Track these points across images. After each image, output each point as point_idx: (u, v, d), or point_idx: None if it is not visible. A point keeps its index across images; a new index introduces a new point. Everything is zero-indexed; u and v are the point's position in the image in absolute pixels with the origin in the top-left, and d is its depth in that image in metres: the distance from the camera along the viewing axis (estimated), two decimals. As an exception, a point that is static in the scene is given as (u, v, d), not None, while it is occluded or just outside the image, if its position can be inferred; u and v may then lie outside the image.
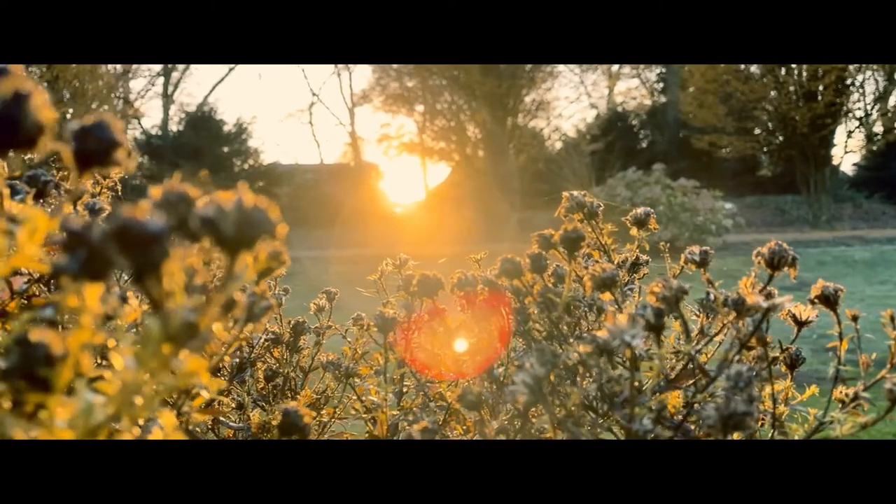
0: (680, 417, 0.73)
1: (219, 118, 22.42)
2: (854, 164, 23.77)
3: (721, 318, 0.82)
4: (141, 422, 0.40)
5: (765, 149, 21.83)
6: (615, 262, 0.92)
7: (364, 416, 1.08)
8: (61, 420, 0.37)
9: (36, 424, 0.39)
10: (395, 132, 26.24)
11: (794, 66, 19.05)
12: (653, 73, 24.45)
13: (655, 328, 0.66)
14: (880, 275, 9.35)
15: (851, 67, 19.10)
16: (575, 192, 0.89)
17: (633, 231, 0.95)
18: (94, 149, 0.39)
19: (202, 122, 21.80)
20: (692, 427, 0.76)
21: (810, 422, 0.87)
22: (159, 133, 22.80)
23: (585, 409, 0.78)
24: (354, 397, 1.14)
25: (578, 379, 0.76)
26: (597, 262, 0.92)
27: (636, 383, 0.62)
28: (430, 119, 25.06)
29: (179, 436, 0.45)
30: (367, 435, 1.03)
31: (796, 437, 0.80)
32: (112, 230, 0.31)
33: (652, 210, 0.96)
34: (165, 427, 0.45)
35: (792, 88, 19.88)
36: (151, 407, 0.37)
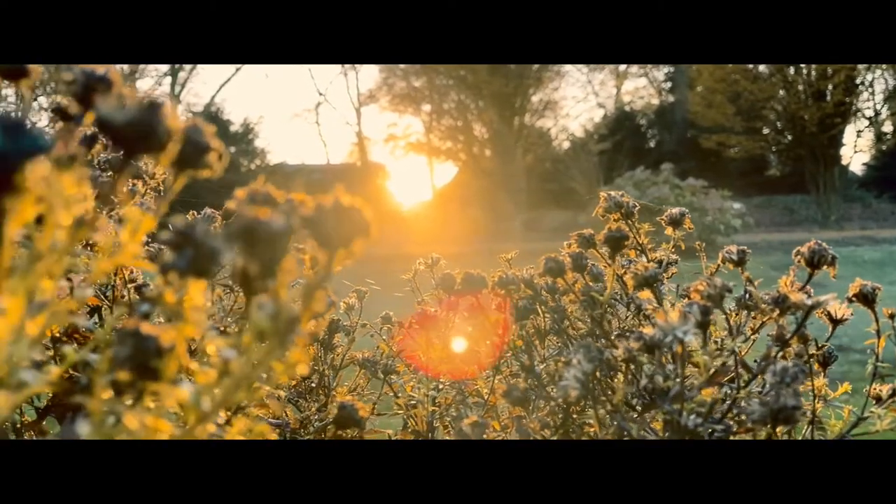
0: (720, 414, 0.75)
1: (225, 118, 22.55)
2: (863, 164, 23.59)
3: (758, 315, 0.83)
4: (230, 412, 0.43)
5: (773, 148, 21.73)
6: (652, 260, 0.94)
7: (400, 412, 1.10)
8: (170, 408, 0.40)
9: (142, 412, 0.41)
10: (402, 132, 26.29)
11: (802, 65, 18.95)
12: (661, 72, 24.37)
13: (703, 325, 0.68)
14: (890, 275, 9.29)
15: (861, 66, 18.98)
16: (612, 193, 0.91)
17: (669, 230, 0.97)
18: (189, 152, 0.42)
19: (209, 122, 21.89)
20: (731, 422, 0.78)
21: (845, 418, 0.88)
22: (167, 133, 22.85)
23: (625, 405, 0.80)
24: (380, 394, 1.16)
25: (622, 375, 0.78)
26: (633, 261, 0.94)
27: (684, 379, 0.64)
28: (437, 119, 25.08)
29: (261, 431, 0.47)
30: (401, 433, 1.05)
31: (834, 434, 0.82)
32: (238, 229, 0.33)
33: (687, 210, 0.97)
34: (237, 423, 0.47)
35: (801, 88, 19.77)
36: (256, 398, 0.40)
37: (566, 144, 23.90)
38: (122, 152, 0.33)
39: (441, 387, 1.05)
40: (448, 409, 0.95)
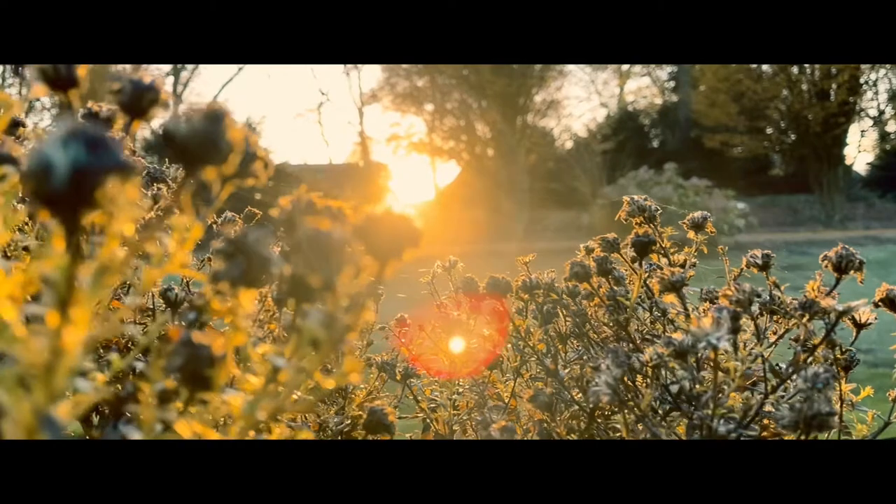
0: (747, 419, 0.75)
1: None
2: (867, 164, 23.54)
3: (780, 319, 0.83)
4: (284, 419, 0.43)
5: (777, 148, 21.68)
6: (674, 264, 0.94)
7: (419, 415, 1.10)
8: (223, 416, 0.40)
9: (191, 419, 0.41)
10: (405, 132, 26.29)
11: (806, 65, 18.90)
12: (664, 71, 24.33)
13: (734, 331, 0.68)
14: (894, 275, 9.27)
15: (865, 66, 18.93)
16: (636, 196, 0.91)
17: (691, 234, 0.97)
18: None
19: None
20: (756, 427, 0.78)
21: (869, 422, 0.88)
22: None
23: (651, 409, 0.80)
24: (401, 396, 1.16)
25: (649, 380, 0.78)
26: (655, 264, 0.94)
27: (717, 385, 0.64)
28: (440, 118, 25.07)
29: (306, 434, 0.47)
30: (421, 436, 1.05)
31: (860, 437, 0.82)
32: (302, 239, 0.33)
33: (709, 214, 0.97)
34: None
35: (805, 87, 19.73)
36: (307, 405, 0.40)
37: (569, 144, 23.88)
38: (183, 164, 0.33)
39: (461, 390, 1.05)
40: (470, 413, 0.95)
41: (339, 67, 26.47)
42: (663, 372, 0.79)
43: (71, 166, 0.25)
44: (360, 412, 1.20)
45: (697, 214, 0.97)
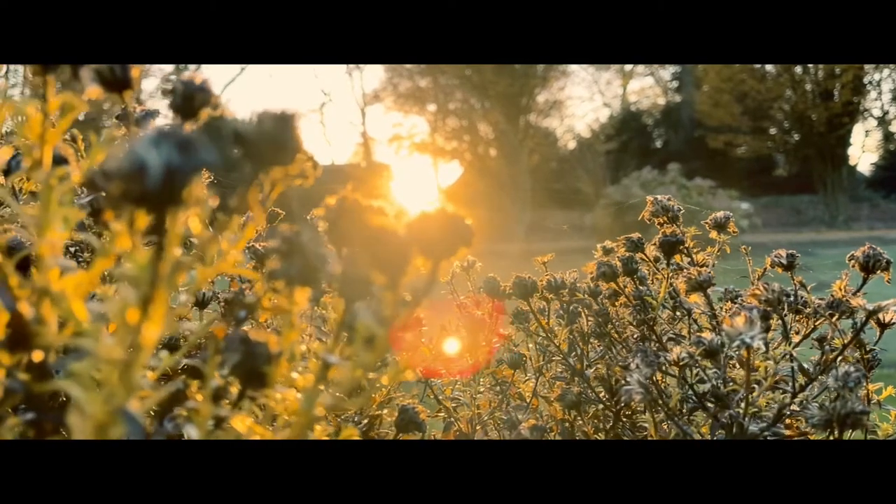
0: (779, 417, 0.75)
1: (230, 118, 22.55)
2: (871, 164, 23.48)
3: (803, 318, 0.83)
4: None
5: (781, 148, 21.64)
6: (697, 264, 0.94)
7: (440, 414, 1.10)
8: (279, 412, 0.40)
9: (247, 416, 0.42)
10: (407, 132, 26.29)
11: (810, 65, 18.86)
12: (667, 71, 24.29)
13: (765, 330, 0.68)
14: (901, 276, 9.21)
15: (869, 66, 18.88)
16: (659, 197, 0.91)
17: (713, 234, 0.97)
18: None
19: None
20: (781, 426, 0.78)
21: (892, 421, 0.89)
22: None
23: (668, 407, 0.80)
24: (423, 395, 1.16)
25: (676, 379, 0.78)
26: (678, 265, 0.94)
27: (749, 384, 0.64)
28: (442, 118, 25.08)
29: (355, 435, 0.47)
30: (443, 435, 1.06)
31: (886, 437, 0.82)
32: (364, 239, 0.33)
33: (731, 214, 0.98)
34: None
35: (809, 87, 19.69)
36: (361, 402, 0.40)
37: (572, 144, 23.87)
38: (253, 164, 0.33)
39: (482, 389, 1.06)
40: (493, 413, 0.95)
41: (342, 67, 26.48)
42: (689, 371, 0.79)
43: (164, 167, 0.25)
44: (379, 412, 1.21)
45: (720, 214, 0.97)
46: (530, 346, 1.03)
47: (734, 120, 20.06)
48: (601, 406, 0.87)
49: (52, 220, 0.37)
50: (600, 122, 24.51)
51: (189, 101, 0.47)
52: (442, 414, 1.10)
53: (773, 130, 21.27)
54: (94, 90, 0.45)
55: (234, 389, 0.44)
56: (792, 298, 0.83)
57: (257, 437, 0.42)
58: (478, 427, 1.02)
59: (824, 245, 13.58)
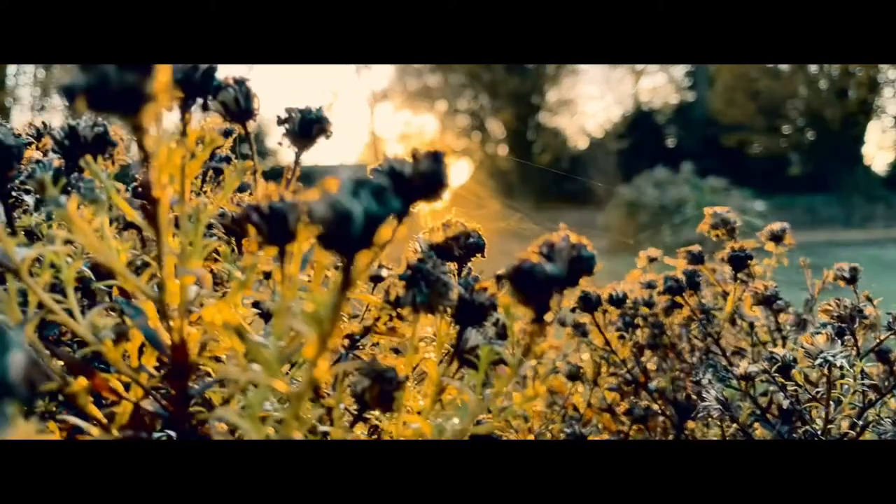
0: (857, 431, 0.75)
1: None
2: (887, 163, 23.19)
3: (860, 331, 0.83)
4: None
5: (795, 147, 21.43)
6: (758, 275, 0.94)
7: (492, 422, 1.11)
8: (395, 435, 0.41)
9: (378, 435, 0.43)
10: (417, 131, 26.30)
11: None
12: (680, 69, 24.11)
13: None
14: (920, 277, 9.09)
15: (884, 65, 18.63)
16: (718, 209, 0.92)
17: (769, 246, 0.98)
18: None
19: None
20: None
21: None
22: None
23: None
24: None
25: (742, 393, 0.78)
26: (742, 279, 0.94)
27: (830, 400, 0.65)
28: (452, 117, 25.06)
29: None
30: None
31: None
32: (511, 272, 0.34)
33: (788, 225, 0.98)
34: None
35: (823, 85, 19.48)
36: (489, 427, 0.41)
37: (583, 143, 23.78)
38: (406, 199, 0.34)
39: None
40: (548, 425, 0.96)
41: (350, 66, 26.48)
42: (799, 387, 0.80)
43: (364, 215, 0.26)
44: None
45: (777, 227, 0.97)
46: (583, 356, 1.04)
47: (748, 118, 19.90)
48: (661, 418, 0.87)
49: (196, 250, 0.38)
50: (612, 120, 24.40)
51: (306, 129, 0.48)
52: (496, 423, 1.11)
53: (787, 129, 21.07)
54: (215, 120, 0.47)
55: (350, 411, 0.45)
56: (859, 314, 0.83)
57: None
58: (531, 438, 1.03)
59: (841, 246, 13.41)
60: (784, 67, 20.07)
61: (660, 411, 0.82)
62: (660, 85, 25.85)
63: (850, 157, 19.69)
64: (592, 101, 28.46)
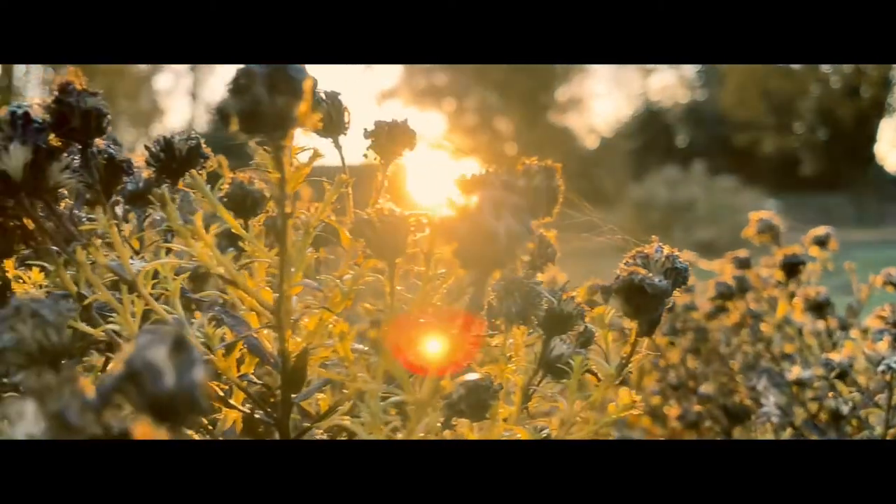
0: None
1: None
2: (900, 161, 22.90)
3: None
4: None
5: (807, 146, 21.27)
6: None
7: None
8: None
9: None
10: (423, 130, 26.26)
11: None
12: (690, 68, 23.97)
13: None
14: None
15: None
16: (763, 215, 0.92)
17: (814, 250, 0.98)
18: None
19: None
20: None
21: None
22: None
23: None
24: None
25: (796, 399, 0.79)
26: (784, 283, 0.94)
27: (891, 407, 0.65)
28: (460, 115, 25.06)
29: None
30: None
31: None
32: (620, 285, 0.35)
33: (832, 230, 0.98)
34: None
35: (835, 84, 19.32)
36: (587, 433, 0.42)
37: (593, 142, 23.72)
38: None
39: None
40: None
41: (356, 65, 26.51)
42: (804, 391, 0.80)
43: (507, 233, 0.27)
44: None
45: (821, 231, 0.97)
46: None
47: (759, 117, 19.76)
48: (708, 423, 0.88)
49: (299, 262, 0.40)
50: (622, 119, 24.32)
51: (391, 141, 0.49)
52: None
53: (799, 128, 20.91)
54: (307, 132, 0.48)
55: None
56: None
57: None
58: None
59: (855, 245, 13.28)
60: (796, 66, 19.90)
61: (711, 416, 0.83)
62: (670, 83, 25.73)
63: (862, 156, 19.52)
64: (602, 99, 28.33)
